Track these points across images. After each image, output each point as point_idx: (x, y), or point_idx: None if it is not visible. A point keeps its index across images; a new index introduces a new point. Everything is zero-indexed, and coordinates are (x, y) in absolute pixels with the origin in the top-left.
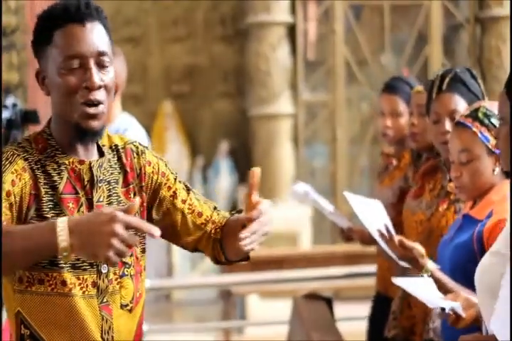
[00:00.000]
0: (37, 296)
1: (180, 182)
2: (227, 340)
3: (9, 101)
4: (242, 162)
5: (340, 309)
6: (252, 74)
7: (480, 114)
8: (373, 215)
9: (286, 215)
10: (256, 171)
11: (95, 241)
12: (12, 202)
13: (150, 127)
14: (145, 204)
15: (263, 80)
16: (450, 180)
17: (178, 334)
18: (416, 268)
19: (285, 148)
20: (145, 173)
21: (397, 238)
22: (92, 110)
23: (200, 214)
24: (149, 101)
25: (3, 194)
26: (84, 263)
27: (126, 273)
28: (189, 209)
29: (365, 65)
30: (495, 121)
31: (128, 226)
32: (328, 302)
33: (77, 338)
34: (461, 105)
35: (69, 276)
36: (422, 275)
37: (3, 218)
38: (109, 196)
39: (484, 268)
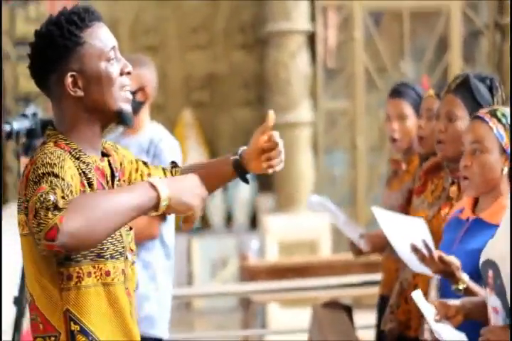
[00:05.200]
0: (85, 290)
1: (138, 160)
2: None
3: (29, 110)
4: None
5: (360, 317)
6: (271, 82)
7: (498, 113)
8: (406, 231)
9: (306, 223)
10: (271, 114)
11: (191, 192)
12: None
13: None
14: None
15: (283, 88)
16: (452, 183)
17: None
18: (453, 281)
19: (305, 155)
20: (124, 167)
21: (436, 253)
22: (128, 95)
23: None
24: (169, 109)
25: (68, 179)
26: (117, 252)
27: (135, 259)
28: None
29: (385, 72)
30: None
31: None
32: (348, 310)
33: (117, 325)
34: (460, 109)
35: (111, 266)
36: (459, 289)
37: (64, 193)
38: None
39: None
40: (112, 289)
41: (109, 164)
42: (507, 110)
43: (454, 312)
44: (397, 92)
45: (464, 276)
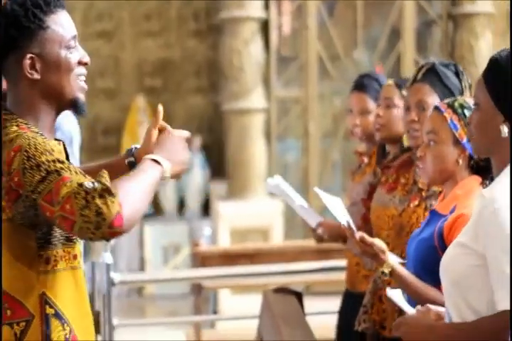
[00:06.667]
0: (59, 273)
1: None
2: (199, 334)
3: None
4: (215, 157)
5: (310, 303)
6: (225, 69)
7: (456, 104)
8: (339, 211)
9: (258, 210)
10: (160, 108)
11: (180, 150)
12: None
13: (123, 121)
14: None
15: (236, 75)
16: None
17: (149, 328)
18: (377, 264)
19: (258, 143)
20: None
21: (358, 234)
22: (84, 84)
23: None
24: (122, 95)
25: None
26: (74, 237)
27: None
28: None
29: (338, 60)
30: (468, 113)
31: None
32: (298, 296)
33: (81, 308)
34: (430, 96)
35: (77, 249)
36: (384, 272)
37: (88, 178)
38: None
39: (449, 260)
40: (77, 273)
41: (64, 148)
42: (468, 100)
43: (435, 318)
44: (361, 86)
45: (391, 260)
